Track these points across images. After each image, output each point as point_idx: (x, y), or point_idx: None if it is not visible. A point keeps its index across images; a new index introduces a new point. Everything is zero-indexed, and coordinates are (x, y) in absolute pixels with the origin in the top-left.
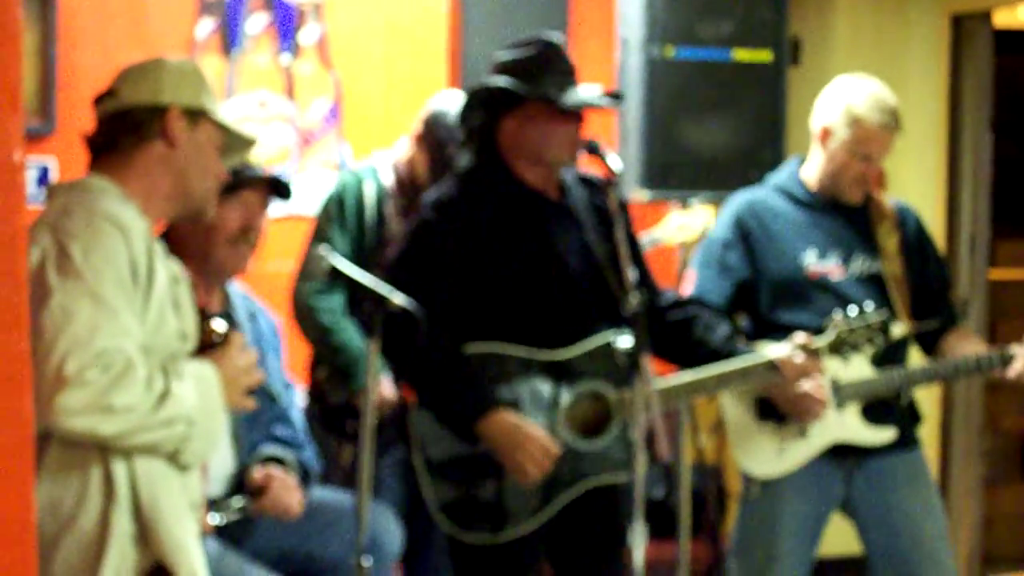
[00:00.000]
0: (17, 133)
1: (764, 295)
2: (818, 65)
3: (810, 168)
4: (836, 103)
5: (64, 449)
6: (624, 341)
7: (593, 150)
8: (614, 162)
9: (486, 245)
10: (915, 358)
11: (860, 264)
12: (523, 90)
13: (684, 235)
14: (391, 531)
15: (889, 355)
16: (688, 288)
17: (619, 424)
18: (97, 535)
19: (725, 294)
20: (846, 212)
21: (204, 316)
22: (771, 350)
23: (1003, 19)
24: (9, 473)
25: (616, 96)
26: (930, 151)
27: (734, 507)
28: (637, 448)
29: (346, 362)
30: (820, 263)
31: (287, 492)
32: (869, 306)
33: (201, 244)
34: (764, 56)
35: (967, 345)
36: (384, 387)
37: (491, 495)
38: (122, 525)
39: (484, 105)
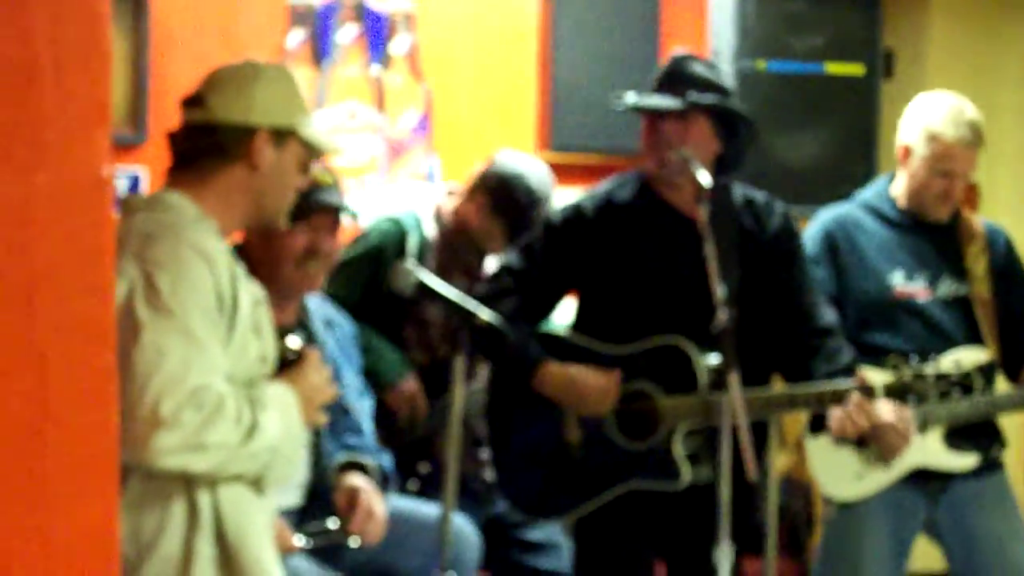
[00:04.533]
0: (105, 148)
1: (850, 314)
2: (911, 79)
3: (897, 186)
4: (915, 120)
5: (147, 480)
6: (712, 358)
7: (686, 164)
8: (703, 177)
9: (604, 256)
10: (1002, 384)
11: (947, 287)
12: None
13: None
14: (470, 541)
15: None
16: None
17: (665, 431)
18: (179, 560)
19: None
20: (934, 232)
21: (279, 334)
22: (843, 383)
23: None
24: (94, 486)
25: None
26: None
27: (822, 526)
28: (722, 467)
29: (370, 364)
30: (907, 284)
31: (374, 507)
32: (955, 352)
33: (270, 264)
34: (856, 70)
35: None
36: (412, 384)
37: (536, 481)
38: (205, 550)
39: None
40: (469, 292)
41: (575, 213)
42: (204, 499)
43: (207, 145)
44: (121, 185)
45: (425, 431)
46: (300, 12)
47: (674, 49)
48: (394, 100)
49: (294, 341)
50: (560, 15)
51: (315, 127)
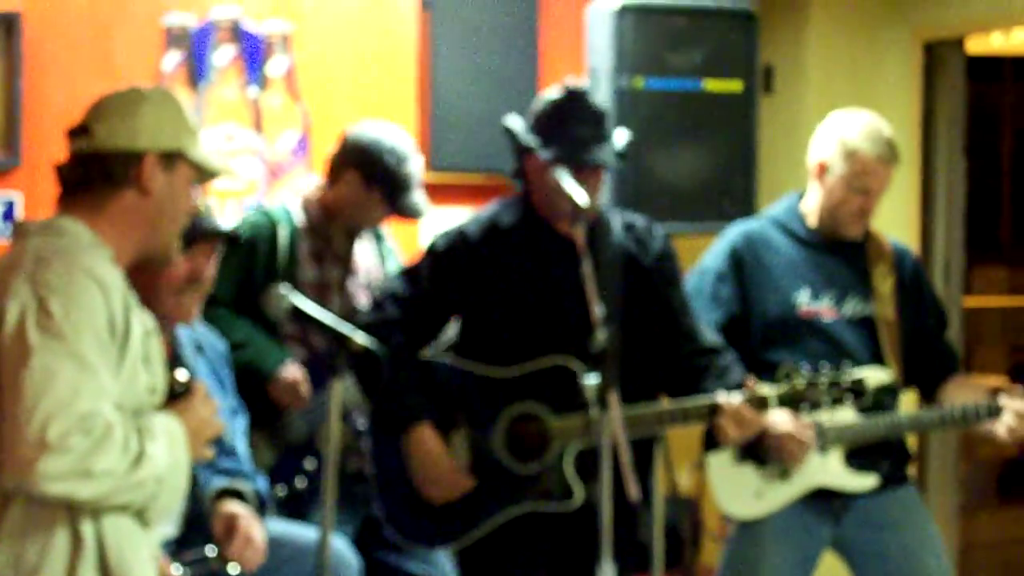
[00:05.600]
0: None
1: (755, 331)
2: (791, 93)
3: (808, 203)
4: (831, 137)
5: (29, 507)
6: (591, 378)
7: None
8: (578, 195)
9: (488, 279)
10: (908, 402)
11: (853, 306)
12: (524, 139)
13: None
14: (350, 564)
15: (877, 401)
16: None
17: (555, 452)
18: None
19: (714, 327)
20: (843, 251)
21: (168, 366)
22: (721, 396)
23: (976, 46)
24: None
25: (621, 155)
26: (904, 177)
27: (709, 543)
28: (604, 486)
29: (249, 357)
30: (813, 303)
31: (252, 533)
32: (853, 363)
33: (147, 293)
34: (735, 86)
35: (964, 393)
36: (292, 371)
37: (422, 509)
38: None
39: (512, 144)
40: (343, 280)
41: (459, 238)
42: (88, 529)
43: (96, 173)
44: None
45: (309, 428)
46: (176, 34)
47: (568, 80)
48: (272, 122)
49: (182, 374)
50: (438, 34)
51: (204, 148)
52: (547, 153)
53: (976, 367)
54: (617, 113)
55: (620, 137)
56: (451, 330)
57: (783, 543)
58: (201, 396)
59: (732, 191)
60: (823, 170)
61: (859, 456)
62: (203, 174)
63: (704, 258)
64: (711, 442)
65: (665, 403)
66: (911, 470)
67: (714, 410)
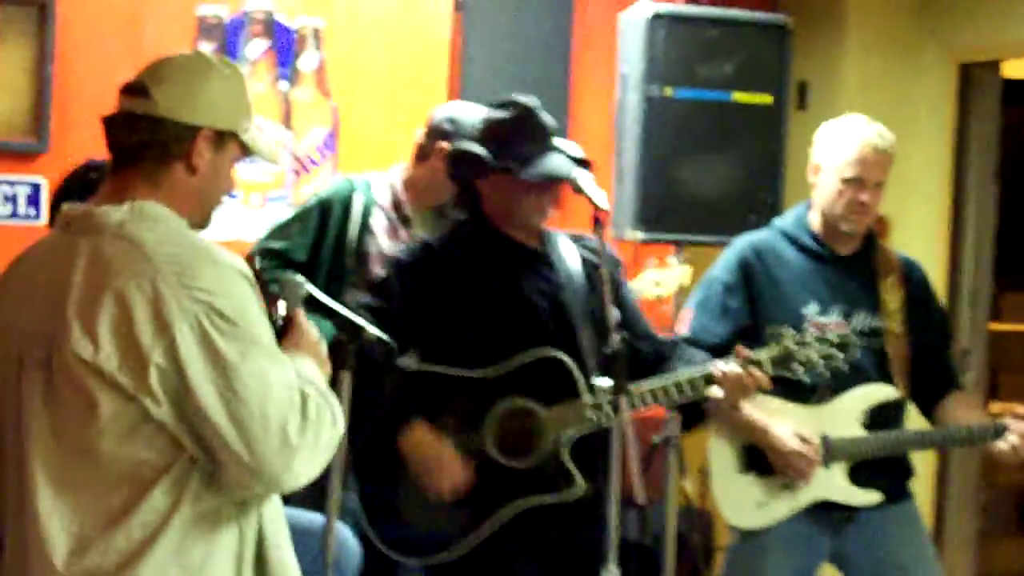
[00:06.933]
0: None
1: (764, 344)
2: (825, 109)
3: (814, 213)
4: (823, 137)
5: (195, 508)
6: (603, 381)
7: (577, 189)
8: (600, 200)
9: (457, 284)
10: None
11: (861, 320)
12: (488, 159)
13: (659, 291)
14: (351, 549)
15: (883, 417)
16: (683, 328)
17: (550, 443)
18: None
19: (722, 338)
20: (851, 263)
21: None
22: (716, 364)
23: (1012, 70)
24: None
25: (584, 163)
26: (935, 199)
27: (721, 557)
28: (612, 487)
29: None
30: (821, 316)
31: None
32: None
33: None
34: (765, 99)
35: (966, 412)
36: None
37: (420, 516)
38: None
39: (463, 166)
40: None
41: (423, 249)
42: (252, 522)
43: (151, 141)
44: (22, 192)
45: None
46: (209, 24)
47: (521, 97)
48: (301, 117)
49: (281, 307)
50: (471, 34)
51: (255, 131)
52: (527, 171)
53: (1003, 393)
54: (646, 122)
55: (574, 151)
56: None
57: (784, 554)
58: (302, 320)
59: (758, 204)
60: (817, 169)
61: (863, 471)
62: (249, 156)
63: (711, 269)
64: (692, 421)
65: (657, 380)
66: (913, 486)
67: (710, 379)
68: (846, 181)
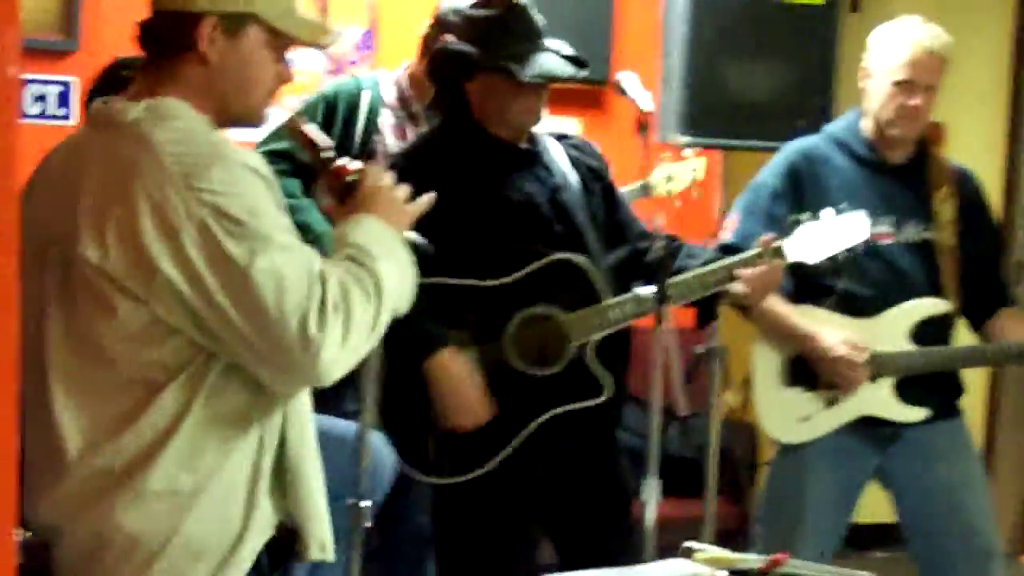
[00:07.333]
0: (14, 47)
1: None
2: (880, 12)
3: (865, 119)
4: (875, 39)
5: (208, 409)
6: (645, 289)
7: (621, 91)
8: (644, 102)
9: (452, 190)
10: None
11: (912, 231)
12: (480, 59)
13: (670, 186)
14: (386, 459)
15: (933, 331)
16: (727, 234)
17: (574, 349)
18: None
19: None
20: (902, 172)
21: (329, 161)
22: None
23: None
24: None
25: (580, 63)
26: (992, 106)
27: (766, 470)
28: (655, 401)
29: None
30: (871, 226)
31: None
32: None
33: None
34: (817, 0)
35: (1019, 328)
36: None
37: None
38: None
39: (449, 66)
40: None
41: (419, 152)
42: (273, 427)
43: (161, 34)
44: (52, 92)
45: None
46: None
47: None
48: (338, 14)
49: (353, 164)
50: None
51: (287, 9)
52: (523, 71)
53: None
54: (694, 22)
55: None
56: None
57: (827, 469)
58: (375, 172)
59: (808, 110)
60: (866, 73)
61: (910, 387)
62: (286, 39)
63: (760, 173)
64: (706, 318)
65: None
66: (963, 404)
67: (730, 275)
68: (896, 84)
